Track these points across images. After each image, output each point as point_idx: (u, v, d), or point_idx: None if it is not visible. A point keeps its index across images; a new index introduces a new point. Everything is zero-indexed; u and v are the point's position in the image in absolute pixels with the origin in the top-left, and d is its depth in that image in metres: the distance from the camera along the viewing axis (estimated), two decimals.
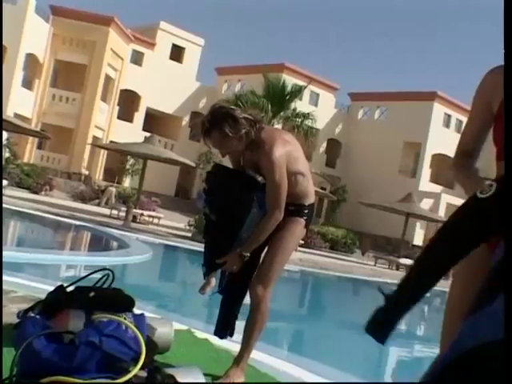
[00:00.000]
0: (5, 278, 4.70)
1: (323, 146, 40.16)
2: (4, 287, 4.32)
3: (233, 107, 3.21)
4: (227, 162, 3.55)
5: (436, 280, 1.50)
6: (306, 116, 22.01)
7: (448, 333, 1.82)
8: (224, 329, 3.46)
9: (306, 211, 3.33)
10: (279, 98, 20.96)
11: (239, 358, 3.31)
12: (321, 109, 35.63)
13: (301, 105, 25.53)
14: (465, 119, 37.47)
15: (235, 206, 3.20)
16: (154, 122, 37.60)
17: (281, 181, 3.11)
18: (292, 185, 3.23)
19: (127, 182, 33.53)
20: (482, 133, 1.97)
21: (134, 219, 19.18)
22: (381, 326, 1.53)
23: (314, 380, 4.10)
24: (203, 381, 2.84)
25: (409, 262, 22.29)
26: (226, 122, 3.08)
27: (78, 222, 15.70)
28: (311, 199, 3.37)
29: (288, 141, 3.26)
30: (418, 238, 34.95)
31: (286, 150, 3.17)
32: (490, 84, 1.88)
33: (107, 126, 34.61)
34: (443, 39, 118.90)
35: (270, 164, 3.10)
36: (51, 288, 3.70)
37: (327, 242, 27.28)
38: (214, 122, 3.10)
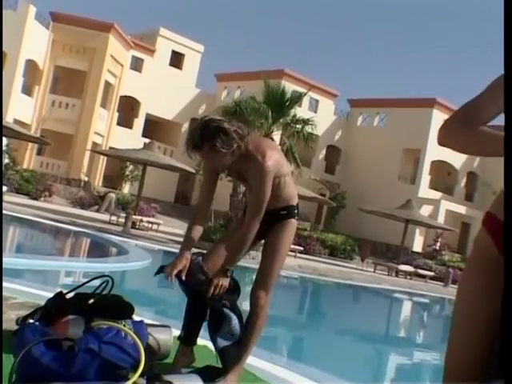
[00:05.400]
0: (4, 284, 4.69)
1: (322, 153, 40.18)
2: (3, 294, 4.32)
3: (221, 119, 3.13)
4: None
5: None
6: (306, 122, 22.00)
7: (456, 342, 1.80)
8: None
9: (295, 211, 3.37)
10: (279, 105, 20.96)
11: (237, 362, 3.31)
12: (320, 115, 35.64)
13: (300, 111, 25.52)
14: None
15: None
16: (154, 128, 37.64)
17: (267, 192, 3.14)
18: (281, 188, 3.26)
19: (126, 188, 33.52)
20: (500, 111, 1.79)
21: (134, 225, 19.18)
22: None
23: None
24: None
25: (408, 268, 22.30)
26: (218, 137, 3.01)
27: (77, 228, 15.69)
28: (297, 198, 3.42)
29: (273, 147, 3.30)
30: (418, 244, 34.93)
31: (275, 158, 3.20)
32: None
33: (107, 132, 34.63)
34: (442, 45, 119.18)
35: (261, 175, 3.11)
36: (50, 294, 3.70)
37: (326, 248, 27.25)
38: (205, 138, 3.01)
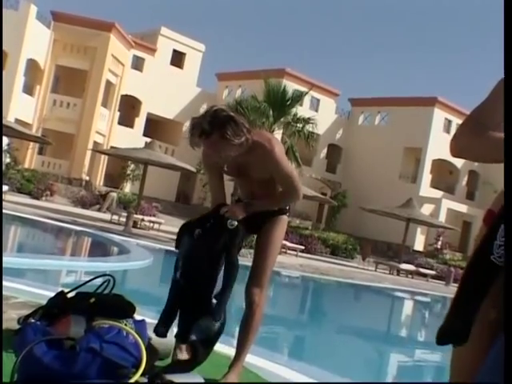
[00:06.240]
0: (5, 283, 4.70)
1: (324, 152, 40.19)
2: (4, 293, 4.32)
3: (229, 110, 3.11)
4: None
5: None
6: (306, 121, 22.01)
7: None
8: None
9: (287, 207, 3.39)
10: (280, 104, 20.97)
11: (236, 361, 3.31)
12: (321, 114, 35.65)
13: (301, 110, 25.52)
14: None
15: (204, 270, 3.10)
16: (155, 127, 37.65)
17: (292, 171, 3.21)
18: (275, 183, 3.28)
19: (128, 188, 33.54)
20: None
21: (135, 224, 19.18)
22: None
23: None
24: None
25: (409, 267, 22.29)
26: (229, 126, 2.93)
27: (78, 228, 15.69)
28: None
29: (276, 138, 3.31)
30: (419, 243, 34.92)
31: (280, 147, 3.23)
32: None
33: (108, 131, 34.65)
34: (443, 44, 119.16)
35: (276, 161, 3.12)
36: (52, 294, 3.71)
37: (328, 247, 27.26)
38: (216, 125, 2.91)
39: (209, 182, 3.46)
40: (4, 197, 18.19)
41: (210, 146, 3.00)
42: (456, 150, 1.84)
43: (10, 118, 26.05)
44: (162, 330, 3.23)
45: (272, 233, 3.28)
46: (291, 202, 3.35)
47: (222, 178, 3.40)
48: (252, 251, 3.35)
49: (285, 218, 3.36)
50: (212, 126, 2.92)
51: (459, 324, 1.63)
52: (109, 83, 33.86)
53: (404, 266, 22.25)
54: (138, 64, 36.60)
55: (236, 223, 3.10)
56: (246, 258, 3.27)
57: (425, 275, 22.19)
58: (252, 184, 3.29)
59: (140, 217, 20.28)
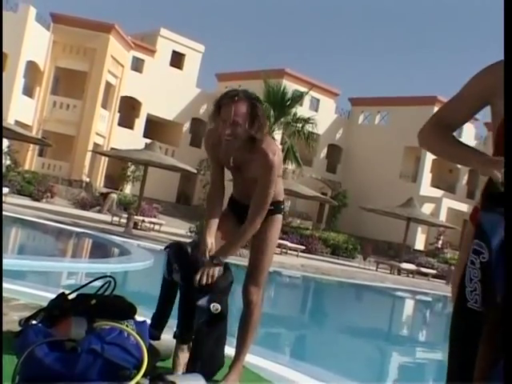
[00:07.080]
0: (6, 285, 4.70)
1: (324, 152, 40.18)
2: (5, 295, 4.32)
3: None
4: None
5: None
6: (306, 121, 22.01)
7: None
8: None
9: (282, 207, 3.40)
10: (280, 104, 20.97)
11: (236, 361, 3.31)
12: (321, 114, 35.63)
13: (301, 110, 25.51)
14: (465, 124, 37.54)
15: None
16: (155, 128, 37.63)
17: (272, 190, 3.16)
18: (275, 185, 3.27)
19: (128, 189, 33.53)
20: (470, 116, 1.90)
21: (135, 226, 19.18)
22: None
23: None
24: None
25: (410, 266, 22.29)
26: (260, 106, 3.11)
27: (79, 229, 15.69)
28: (283, 194, 3.45)
29: (278, 148, 3.29)
30: (420, 242, 34.91)
31: (281, 159, 3.24)
32: (499, 77, 1.71)
33: (108, 132, 34.64)
34: (443, 44, 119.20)
35: (270, 173, 3.11)
36: (53, 296, 3.70)
37: (328, 247, 27.26)
38: (250, 97, 3.09)
39: (211, 170, 3.48)
40: (4, 199, 18.20)
41: (237, 112, 3.03)
42: (421, 144, 1.94)
43: (9, 120, 26.06)
44: (155, 333, 3.24)
45: (267, 232, 3.28)
46: (250, 232, 3.18)
47: (223, 169, 3.41)
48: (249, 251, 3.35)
49: (279, 217, 3.36)
50: (247, 95, 3.08)
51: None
52: (108, 84, 33.86)
53: (405, 266, 22.25)
54: (137, 65, 36.59)
55: (220, 308, 3.02)
56: (245, 258, 3.26)
57: (426, 274, 22.18)
58: (245, 183, 3.29)
59: (140, 218, 20.29)
